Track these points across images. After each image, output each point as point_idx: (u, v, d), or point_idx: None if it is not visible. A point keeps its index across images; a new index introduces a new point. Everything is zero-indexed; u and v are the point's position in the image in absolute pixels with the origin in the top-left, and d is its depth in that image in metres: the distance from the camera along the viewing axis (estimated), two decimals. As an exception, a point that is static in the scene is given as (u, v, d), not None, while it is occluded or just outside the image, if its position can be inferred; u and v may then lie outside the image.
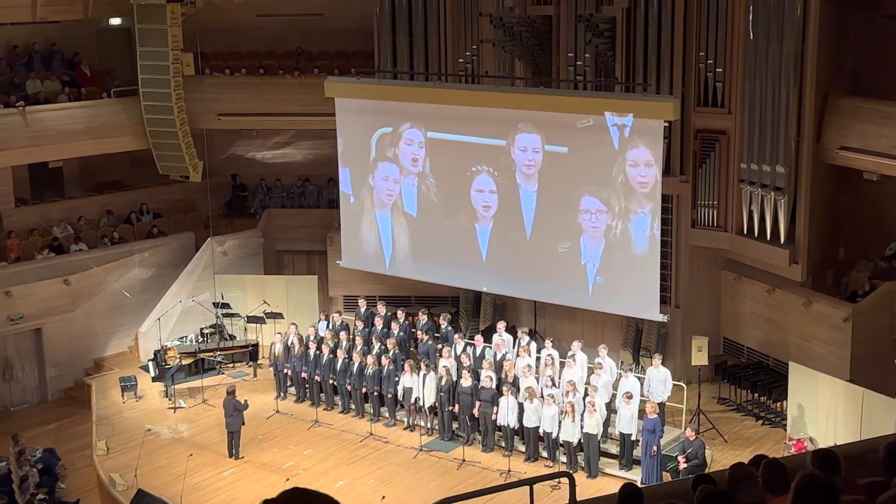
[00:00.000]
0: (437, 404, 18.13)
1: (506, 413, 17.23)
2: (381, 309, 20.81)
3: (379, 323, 20.33)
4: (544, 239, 19.15)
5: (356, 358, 19.11)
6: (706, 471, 12.43)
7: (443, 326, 19.94)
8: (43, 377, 21.91)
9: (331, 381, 19.54)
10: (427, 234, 20.62)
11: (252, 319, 21.91)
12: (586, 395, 16.78)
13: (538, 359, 18.20)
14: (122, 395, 20.50)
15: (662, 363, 17.56)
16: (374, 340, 19.71)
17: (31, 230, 23.02)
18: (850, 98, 17.63)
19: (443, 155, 20.07)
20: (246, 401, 18.24)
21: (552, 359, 17.85)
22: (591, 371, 17.61)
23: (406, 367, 18.46)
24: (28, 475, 17.58)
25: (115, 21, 25.20)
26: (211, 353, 21.25)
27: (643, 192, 17.87)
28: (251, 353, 21.63)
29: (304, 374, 19.80)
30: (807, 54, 17.00)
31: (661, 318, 18.28)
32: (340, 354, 19.39)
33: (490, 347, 18.79)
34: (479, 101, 19.08)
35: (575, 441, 16.60)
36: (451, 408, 18.01)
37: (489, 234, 19.83)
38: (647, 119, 17.48)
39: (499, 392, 17.41)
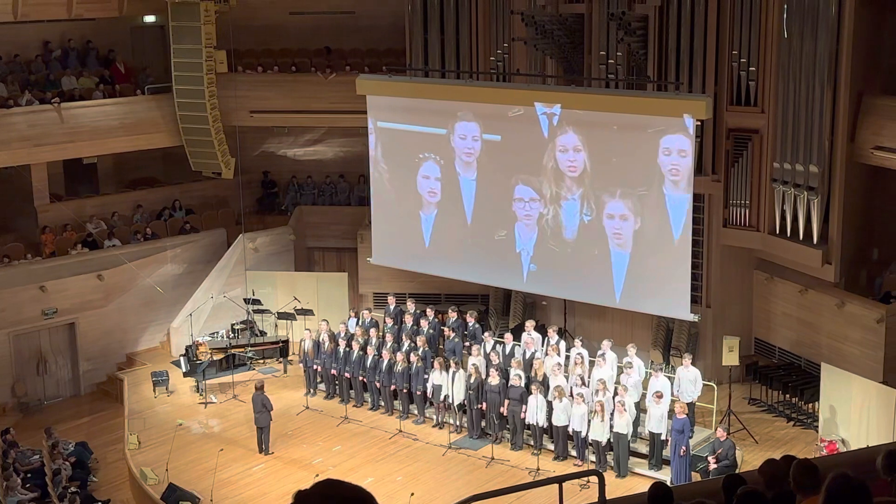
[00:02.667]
0: (466, 402, 18.15)
1: (534, 411, 17.21)
2: (411, 306, 20.85)
3: (408, 320, 20.36)
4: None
5: (385, 355, 19.16)
6: (737, 471, 12.37)
7: (470, 324, 19.95)
8: (76, 371, 22.13)
9: (360, 378, 19.60)
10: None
11: (282, 316, 22.01)
12: (616, 394, 16.75)
13: (567, 357, 18.18)
14: (154, 390, 20.68)
15: (693, 363, 17.49)
16: (403, 338, 19.76)
17: (66, 225, 23.24)
18: (884, 97, 17.44)
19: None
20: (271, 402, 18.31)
21: (582, 357, 17.81)
22: (620, 370, 17.56)
23: (436, 364, 18.49)
24: (61, 468, 17.78)
25: (150, 19, 25.42)
26: (242, 349, 21.36)
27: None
28: (281, 349, 21.72)
29: (333, 371, 19.87)
30: (841, 53, 16.85)
31: (692, 317, 18.18)
32: (370, 351, 19.45)
33: (519, 346, 18.79)
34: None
35: (604, 440, 16.57)
36: (479, 406, 18.03)
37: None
38: (677, 117, 17.42)
39: (527, 391, 17.40)
